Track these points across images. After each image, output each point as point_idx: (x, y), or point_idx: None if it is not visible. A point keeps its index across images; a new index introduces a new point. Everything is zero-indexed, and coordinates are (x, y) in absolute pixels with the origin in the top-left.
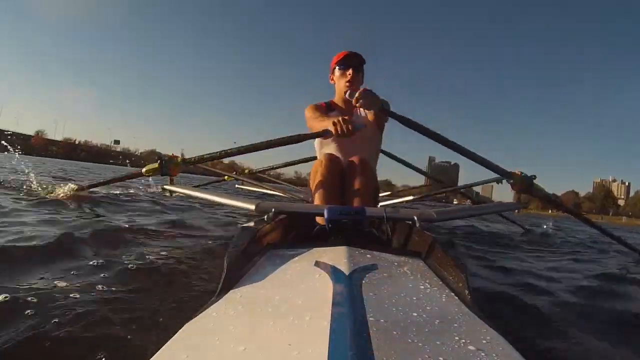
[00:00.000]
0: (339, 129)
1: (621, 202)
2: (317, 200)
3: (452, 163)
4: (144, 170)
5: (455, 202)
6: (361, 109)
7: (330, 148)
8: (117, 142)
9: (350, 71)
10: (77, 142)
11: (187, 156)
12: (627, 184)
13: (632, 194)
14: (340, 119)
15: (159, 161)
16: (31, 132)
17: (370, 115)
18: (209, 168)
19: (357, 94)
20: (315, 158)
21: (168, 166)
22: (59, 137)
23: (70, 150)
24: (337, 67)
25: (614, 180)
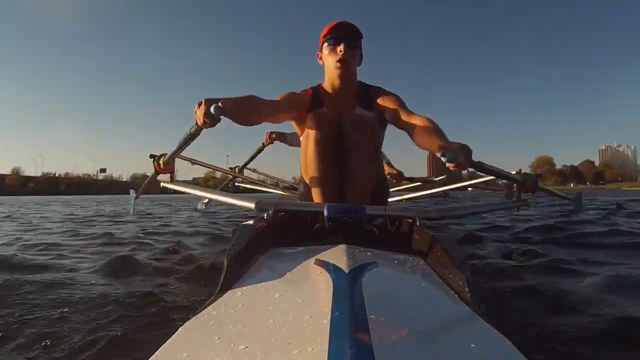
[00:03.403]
0: None
1: None
2: (315, 196)
3: None
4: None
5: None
6: (363, 107)
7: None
8: (102, 170)
9: (342, 47)
10: (57, 175)
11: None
12: (633, 147)
13: (639, 158)
14: None
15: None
16: (8, 171)
17: (386, 100)
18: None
19: (455, 156)
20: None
21: (158, 163)
22: (39, 173)
23: (50, 185)
24: (325, 42)
25: (619, 146)
